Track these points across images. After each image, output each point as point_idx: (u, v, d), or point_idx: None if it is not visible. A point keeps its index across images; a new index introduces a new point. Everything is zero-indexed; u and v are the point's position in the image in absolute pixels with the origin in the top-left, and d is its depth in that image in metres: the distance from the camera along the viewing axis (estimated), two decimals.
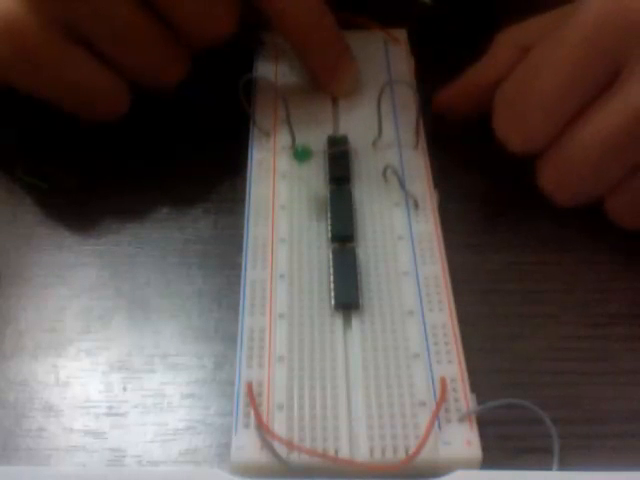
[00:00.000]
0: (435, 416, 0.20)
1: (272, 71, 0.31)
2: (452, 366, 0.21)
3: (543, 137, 0.24)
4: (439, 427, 0.20)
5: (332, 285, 0.23)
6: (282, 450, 0.19)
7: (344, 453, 0.19)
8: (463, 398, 0.20)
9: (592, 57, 0.23)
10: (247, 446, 0.19)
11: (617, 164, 0.23)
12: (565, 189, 0.24)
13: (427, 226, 0.25)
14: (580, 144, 0.23)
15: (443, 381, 0.21)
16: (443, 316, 0.22)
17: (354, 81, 0.30)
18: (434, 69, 0.29)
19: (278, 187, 0.26)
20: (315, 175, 0.27)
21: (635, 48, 0.22)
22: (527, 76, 0.24)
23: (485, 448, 0.19)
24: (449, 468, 0.19)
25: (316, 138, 0.28)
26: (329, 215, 0.25)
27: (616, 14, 0.22)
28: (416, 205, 0.25)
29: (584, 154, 0.23)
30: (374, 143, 0.28)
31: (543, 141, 0.24)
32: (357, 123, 0.28)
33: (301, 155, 0.27)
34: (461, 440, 0.20)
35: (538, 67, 0.24)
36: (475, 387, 0.21)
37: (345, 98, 0.29)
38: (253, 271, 0.23)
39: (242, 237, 0.25)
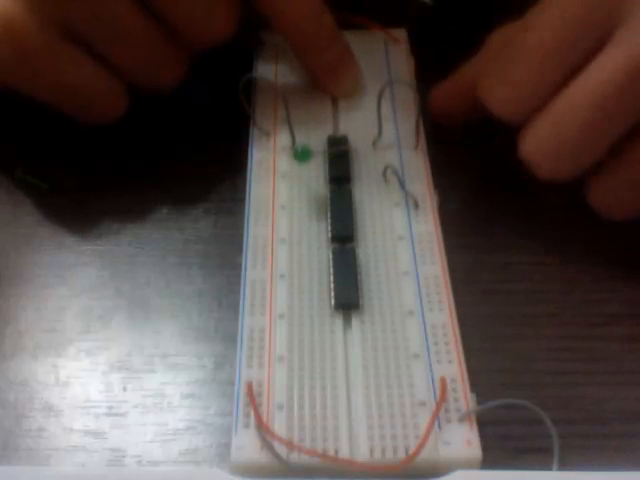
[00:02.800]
0: (435, 416, 0.20)
1: (272, 71, 0.31)
2: (452, 366, 0.21)
3: (531, 100, 0.23)
4: (439, 427, 0.20)
5: (332, 285, 0.23)
6: (282, 450, 0.19)
7: (344, 453, 0.19)
8: (463, 398, 0.20)
9: (585, 13, 0.22)
10: (247, 446, 0.19)
11: (608, 126, 0.22)
12: (550, 158, 0.23)
13: (427, 226, 0.25)
14: (570, 104, 0.22)
15: (443, 381, 0.21)
16: (443, 316, 0.22)
17: (355, 82, 0.29)
18: (434, 69, 0.29)
19: (278, 187, 0.26)
20: (315, 175, 0.27)
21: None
22: (516, 40, 0.24)
23: (485, 448, 0.19)
24: (449, 468, 0.19)
25: (316, 138, 0.28)
26: (329, 215, 0.25)
27: None
28: (416, 205, 0.25)
29: (574, 115, 0.22)
30: (374, 143, 0.28)
31: (531, 104, 0.23)
32: (357, 123, 0.28)
33: (301, 156, 0.27)
34: (461, 440, 0.20)
35: (528, 29, 0.23)
36: (475, 387, 0.21)
37: (345, 98, 0.29)
38: (253, 271, 0.23)
39: (242, 237, 0.25)
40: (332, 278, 0.23)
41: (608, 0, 0.22)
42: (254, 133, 0.28)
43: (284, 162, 0.27)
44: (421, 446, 0.19)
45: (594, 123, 0.22)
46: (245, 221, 0.25)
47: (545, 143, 0.23)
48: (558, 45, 0.22)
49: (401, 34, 0.32)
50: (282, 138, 0.28)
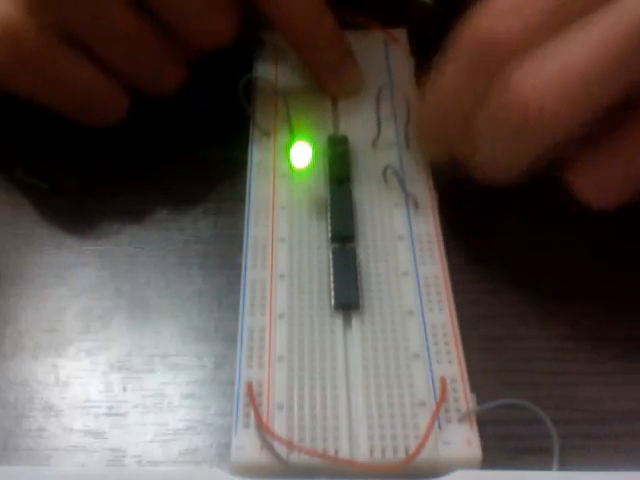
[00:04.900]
0: (435, 416, 0.20)
1: (272, 71, 0.31)
2: (452, 366, 0.21)
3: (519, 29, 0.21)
4: (439, 427, 0.20)
5: (332, 285, 0.23)
6: (282, 450, 0.19)
7: (344, 453, 0.19)
8: (463, 398, 0.20)
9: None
10: (247, 446, 0.19)
11: (609, 86, 0.19)
12: (556, 98, 0.19)
13: (427, 226, 0.25)
14: (571, 53, 0.19)
15: (443, 381, 0.21)
16: (443, 316, 0.22)
17: (356, 83, 0.29)
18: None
19: (278, 187, 0.26)
20: (315, 175, 0.27)
21: None
22: None
23: (485, 448, 0.19)
24: (449, 468, 0.19)
25: (316, 138, 0.28)
26: (329, 215, 0.25)
27: None
28: (416, 205, 0.25)
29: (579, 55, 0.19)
30: (374, 143, 0.27)
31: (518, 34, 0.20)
32: (357, 123, 0.28)
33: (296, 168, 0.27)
34: (461, 440, 0.20)
35: None
36: (475, 387, 0.21)
37: (345, 98, 0.29)
38: (253, 271, 0.23)
39: (242, 237, 0.25)
40: (332, 278, 0.23)
41: None
42: (254, 133, 0.28)
43: (284, 162, 0.27)
44: (421, 446, 0.19)
45: (598, 79, 0.19)
46: (245, 221, 0.25)
47: (535, 94, 0.20)
48: None
49: (401, 34, 0.32)
50: (282, 138, 0.28)
